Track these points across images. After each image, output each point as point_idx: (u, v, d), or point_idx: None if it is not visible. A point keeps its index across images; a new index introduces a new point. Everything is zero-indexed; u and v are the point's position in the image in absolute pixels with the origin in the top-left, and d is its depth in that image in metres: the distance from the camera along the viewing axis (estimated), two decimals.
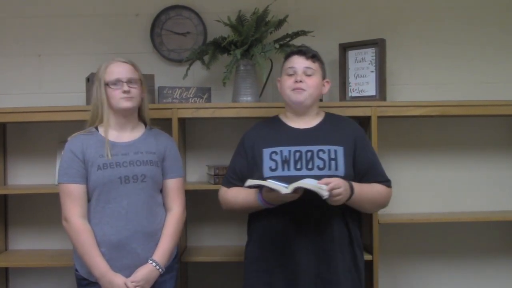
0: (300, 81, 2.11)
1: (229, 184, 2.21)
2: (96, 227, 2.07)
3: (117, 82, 2.10)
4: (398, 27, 2.91)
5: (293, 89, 2.12)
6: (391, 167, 2.86)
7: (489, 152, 2.92)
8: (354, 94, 2.76)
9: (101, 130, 2.16)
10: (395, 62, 2.87)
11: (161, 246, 2.12)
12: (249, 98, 2.71)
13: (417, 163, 2.91)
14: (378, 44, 2.70)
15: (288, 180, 1.95)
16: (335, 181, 1.92)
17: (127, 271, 2.06)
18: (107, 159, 2.08)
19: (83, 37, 2.93)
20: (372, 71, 2.72)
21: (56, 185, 2.71)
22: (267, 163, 2.10)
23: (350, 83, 2.77)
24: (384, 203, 2.19)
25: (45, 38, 2.93)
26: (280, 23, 2.73)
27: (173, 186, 2.21)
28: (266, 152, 2.12)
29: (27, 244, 2.92)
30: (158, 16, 2.91)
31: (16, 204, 2.92)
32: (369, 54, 2.72)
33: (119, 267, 2.05)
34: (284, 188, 1.89)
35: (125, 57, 2.20)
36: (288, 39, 2.74)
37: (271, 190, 1.93)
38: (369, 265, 2.60)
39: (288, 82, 2.14)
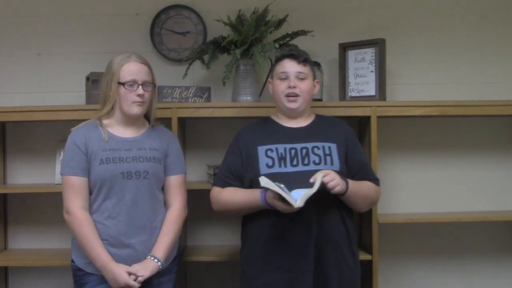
0: (294, 87, 2.13)
1: (224, 184, 2.20)
2: (97, 220, 2.07)
3: (133, 83, 2.08)
4: (398, 27, 2.91)
5: (287, 95, 2.15)
6: (390, 167, 2.87)
7: (488, 152, 2.92)
8: (354, 94, 2.76)
9: (105, 122, 2.15)
10: (395, 62, 2.87)
11: (160, 242, 2.11)
12: (248, 98, 2.71)
13: (417, 163, 2.91)
14: (378, 44, 2.70)
15: (285, 177, 1.99)
16: (328, 171, 1.99)
17: None
18: (112, 151, 2.07)
19: (83, 36, 2.92)
20: (372, 71, 2.72)
21: (56, 184, 2.75)
22: (263, 160, 2.11)
23: (350, 83, 2.77)
24: (375, 201, 2.26)
25: (45, 37, 2.93)
26: (280, 22, 2.73)
27: (175, 183, 2.21)
28: (261, 149, 2.14)
29: (26, 243, 2.92)
30: (158, 16, 2.91)
31: (16, 203, 2.92)
32: (369, 54, 2.72)
33: (116, 262, 2.04)
34: (294, 201, 1.89)
35: (140, 56, 2.18)
36: (288, 38, 2.74)
37: (275, 196, 1.94)
38: (369, 265, 2.60)
39: (281, 87, 2.16)
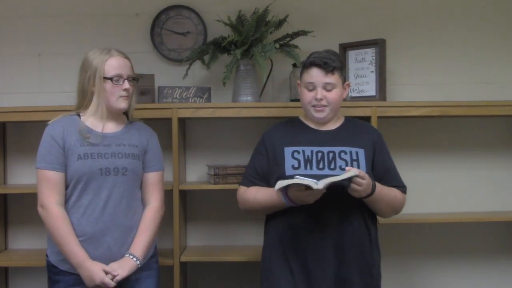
0: (321, 99, 2.08)
1: (249, 183, 2.17)
2: (72, 216, 2.02)
3: (118, 78, 2.06)
4: (398, 27, 2.91)
5: (313, 105, 2.11)
6: None
7: (489, 152, 2.92)
8: (354, 94, 2.76)
9: (83, 117, 2.11)
10: (395, 62, 2.87)
11: (138, 240, 2.07)
12: (249, 98, 2.71)
13: (417, 163, 2.91)
14: (378, 44, 2.70)
15: (312, 178, 1.93)
16: (364, 173, 1.96)
17: None
18: (90, 146, 2.04)
19: (83, 37, 2.92)
20: (372, 71, 2.72)
21: None
22: (289, 161, 2.07)
23: (350, 83, 2.76)
24: (399, 208, 2.19)
25: (45, 38, 2.93)
26: (280, 23, 2.73)
27: (153, 180, 2.17)
28: (288, 150, 2.10)
29: (27, 243, 2.92)
30: (158, 16, 2.91)
31: (16, 203, 2.92)
32: (369, 54, 2.72)
33: (92, 260, 2.01)
34: (315, 184, 1.87)
35: (120, 50, 2.14)
36: (288, 39, 2.74)
37: (299, 188, 1.92)
38: None
39: (307, 98, 2.11)
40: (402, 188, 2.18)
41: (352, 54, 2.76)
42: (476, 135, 2.92)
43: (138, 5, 2.93)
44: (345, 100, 2.74)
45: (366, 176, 1.96)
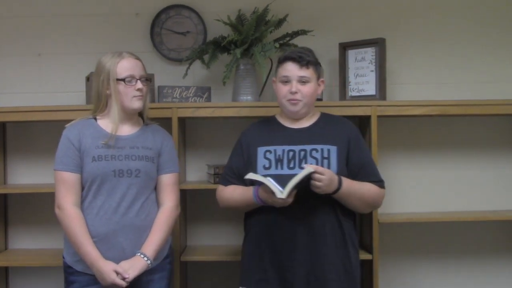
0: (295, 92, 2.12)
1: (227, 182, 2.23)
2: (87, 217, 2.06)
3: (131, 78, 2.10)
4: (398, 27, 2.91)
5: (288, 99, 2.14)
6: (390, 166, 2.87)
7: (489, 151, 2.92)
8: (354, 93, 2.76)
9: (100, 121, 2.15)
10: (395, 62, 2.87)
11: (150, 239, 2.10)
12: (249, 98, 2.71)
13: (417, 163, 2.91)
14: (378, 44, 2.70)
15: (281, 178, 1.98)
16: (322, 168, 1.98)
17: None
18: (104, 148, 2.08)
19: (83, 36, 2.92)
20: (372, 71, 2.72)
21: None
22: (261, 161, 2.12)
23: (350, 82, 2.77)
24: (376, 203, 2.20)
25: (45, 37, 2.93)
26: (280, 22, 2.73)
27: (168, 181, 2.20)
28: (261, 150, 2.14)
29: (27, 243, 2.92)
30: (158, 15, 2.91)
31: (16, 203, 2.92)
32: (369, 53, 2.72)
33: (105, 259, 2.03)
34: (279, 192, 1.92)
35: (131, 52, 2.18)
36: (288, 38, 2.74)
37: (268, 190, 1.97)
38: (369, 265, 2.60)
39: (283, 91, 2.15)
40: (379, 182, 2.17)
41: (352, 54, 2.76)
42: (476, 134, 2.92)
43: (138, 5, 2.93)
44: (344, 99, 2.76)
45: (327, 171, 1.98)
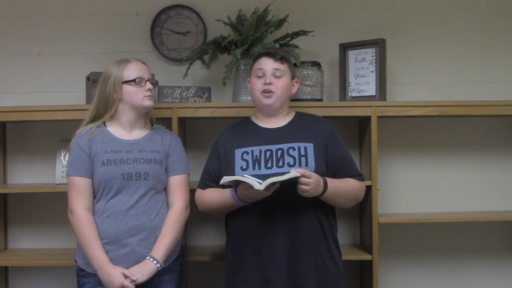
0: (269, 83, 2.14)
1: (204, 186, 2.25)
2: (97, 220, 2.10)
3: (141, 80, 2.15)
4: (398, 27, 2.91)
5: (262, 92, 2.15)
6: (390, 167, 2.87)
7: (489, 152, 2.92)
8: (354, 94, 2.76)
9: (109, 126, 2.19)
10: (395, 62, 2.87)
11: (159, 242, 2.12)
12: (249, 98, 2.70)
13: (417, 163, 2.91)
14: (378, 44, 2.70)
15: (260, 178, 1.98)
16: (309, 172, 1.98)
17: (123, 266, 2.07)
18: (113, 152, 2.12)
19: (83, 36, 2.92)
20: (372, 71, 2.72)
21: (56, 184, 2.75)
22: (238, 163, 2.13)
23: (350, 83, 2.77)
24: (358, 197, 2.23)
25: (45, 37, 2.93)
26: (281, 22, 2.73)
27: (177, 183, 2.23)
28: (238, 152, 2.16)
29: (27, 243, 2.92)
30: (158, 16, 2.91)
31: (16, 203, 2.92)
32: (369, 54, 2.72)
33: (115, 261, 2.07)
34: (258, 184, 1.93)
35: (130, 56, 2.25)
36: (288, 38, 2.74)
37: (247, 186, 1.97)
38: (369, 265, 2.60)
39: (257, 85, 2.17)
40: (359, 177, 2.21)
41: (352, 54, 2.76)
42: (476, 135, 2.92)
43: (138, 5, 2.93)
44: (344, 100, 2.76)
45: (313, 174, 1.99)
